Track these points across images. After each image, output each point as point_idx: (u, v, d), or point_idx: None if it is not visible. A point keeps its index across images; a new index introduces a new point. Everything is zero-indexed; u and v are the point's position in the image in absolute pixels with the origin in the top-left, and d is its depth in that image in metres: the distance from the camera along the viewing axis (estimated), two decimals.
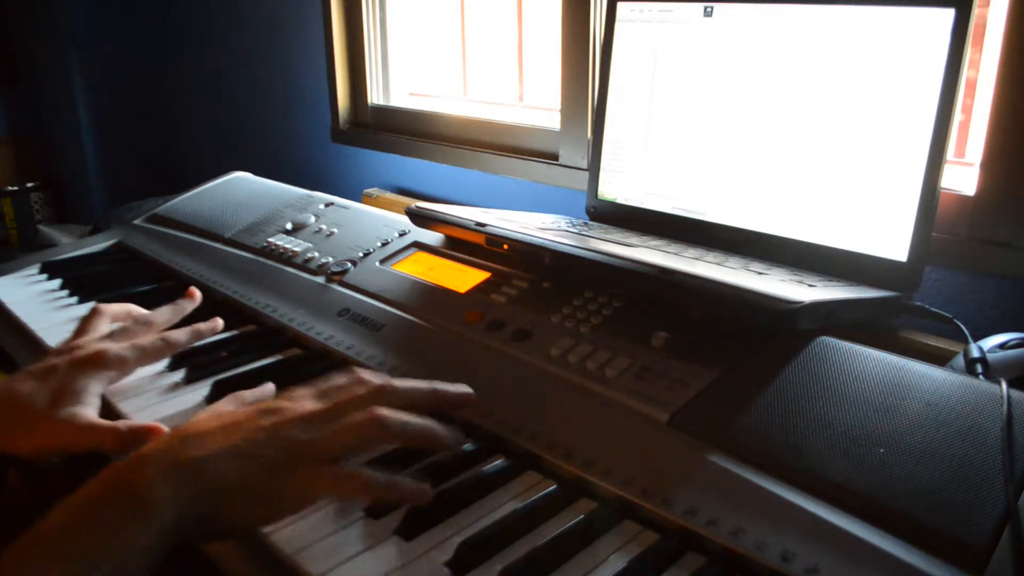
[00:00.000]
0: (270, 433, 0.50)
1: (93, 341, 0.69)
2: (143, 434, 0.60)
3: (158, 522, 0.45)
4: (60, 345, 0.70)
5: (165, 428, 0.61)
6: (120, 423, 0.61)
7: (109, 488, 0.46)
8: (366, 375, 0.55)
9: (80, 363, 0.66)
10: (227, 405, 0.61)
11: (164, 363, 0.73)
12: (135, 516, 0.44)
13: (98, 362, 0.66)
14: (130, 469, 0.47)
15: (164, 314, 0.76)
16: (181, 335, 0.73)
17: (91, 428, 0.61)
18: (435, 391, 0.57)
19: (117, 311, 0.75)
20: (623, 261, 0.65)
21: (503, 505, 0.53)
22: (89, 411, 0.62)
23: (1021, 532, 0.42)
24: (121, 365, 0.67)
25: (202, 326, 0.75)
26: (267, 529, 0.50)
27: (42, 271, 0.98)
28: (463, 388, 0.58)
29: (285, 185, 1.16)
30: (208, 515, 0.47)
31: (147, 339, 0.70)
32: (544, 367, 0.64)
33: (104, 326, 0.73)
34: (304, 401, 0.53)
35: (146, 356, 0.70)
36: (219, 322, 0.77)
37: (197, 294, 0.80)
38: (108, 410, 0.65)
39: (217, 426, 0.50)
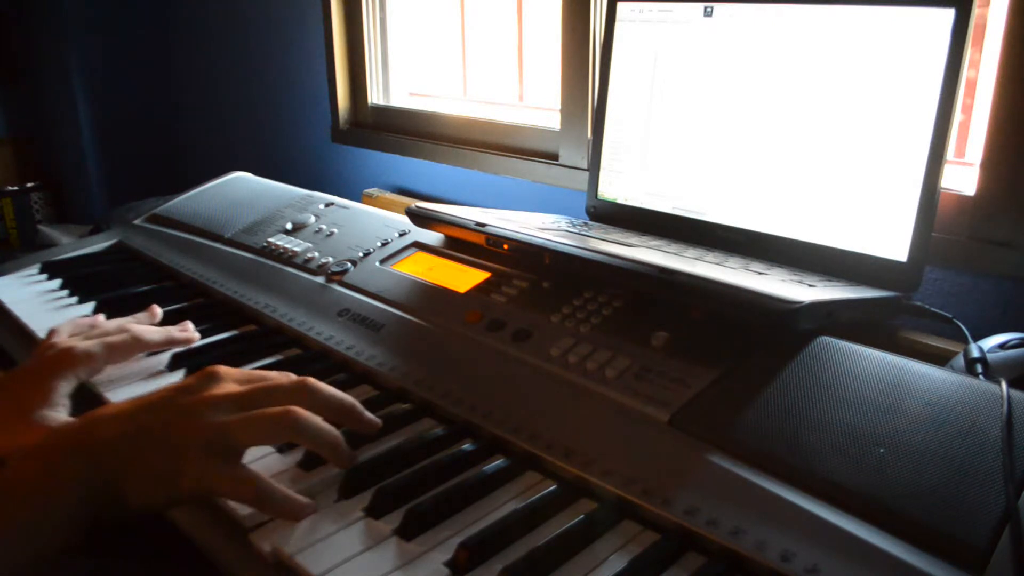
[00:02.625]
0: (181, 412, 0.51)
1: (64, 340, 0.70)
2: None
3: (64, 501, 0.47)
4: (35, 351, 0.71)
5: None
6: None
7: (20, 469, 0.49)
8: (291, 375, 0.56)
9: (49, 363, 0.67)
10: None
11: (163, 363, 0.73)
12: (41, 492, 0.47)
13: (66, 360, 0.67)
14: (40, 450, 0.49)
15: (139, 317, 0.77)
16: (154, 334, 0.74)
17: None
18: (354, 407, 0.57)
19: (80, 321, 0.76)
20: (623, 261, 0.65)
21: (503, 505, 0.53)
22: (59, 412, 0.63)
23: (1021, 532, 0.42)
24: (89, 361, 0.68)
25: (177, 335, 0.76)
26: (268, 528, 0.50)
27: (42, 271, 0.98)
28: (375, 419, 0.58)
29: (285, 185, 1.15)
30: (115, 496, 0.48)
31: (117, 336, 0.71)
32: (544, 367, 0.64)
33: (66, 332, 0.73)
34: (227, 382, 0.53)
35: (115, 352, 0.71)
36: (195, 335, 0.77)
37: (158, 311, 0.81)
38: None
39: (131, 407, 0.52)
